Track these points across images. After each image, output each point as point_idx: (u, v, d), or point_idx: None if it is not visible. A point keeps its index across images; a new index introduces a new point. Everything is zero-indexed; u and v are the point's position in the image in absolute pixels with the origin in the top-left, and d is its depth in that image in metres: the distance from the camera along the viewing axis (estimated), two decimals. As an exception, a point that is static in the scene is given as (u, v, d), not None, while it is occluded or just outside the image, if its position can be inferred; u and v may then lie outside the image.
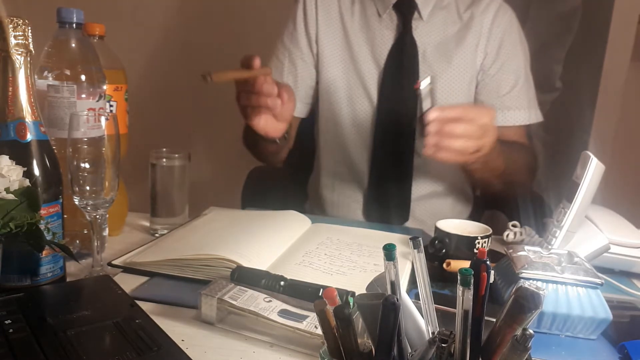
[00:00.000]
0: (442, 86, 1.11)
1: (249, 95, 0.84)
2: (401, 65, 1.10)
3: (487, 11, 1.13)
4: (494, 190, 1.14)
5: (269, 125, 0.90)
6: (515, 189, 1.07)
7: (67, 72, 0.76)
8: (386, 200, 1.13)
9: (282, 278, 0.65)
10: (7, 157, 0.58)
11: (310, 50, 1.17)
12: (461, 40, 1.12)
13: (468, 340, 0.36)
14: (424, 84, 0.85)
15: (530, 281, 0.63)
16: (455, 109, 0.86)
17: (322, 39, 1.16)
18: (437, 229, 0.84)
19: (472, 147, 0.86)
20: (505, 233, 0.95)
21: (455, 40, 1.12)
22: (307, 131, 1.24)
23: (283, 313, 0.58)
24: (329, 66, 1.16)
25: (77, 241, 0.80)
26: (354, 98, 1.14)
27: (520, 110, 1.13)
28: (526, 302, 0.34)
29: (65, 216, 0.68)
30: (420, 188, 1.15)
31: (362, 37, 1.14)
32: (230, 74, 0.80)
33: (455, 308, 0.36)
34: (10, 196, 0.55)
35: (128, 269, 0.74)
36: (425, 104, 0.86)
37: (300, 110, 1.19)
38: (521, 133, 1.15)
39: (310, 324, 0.56)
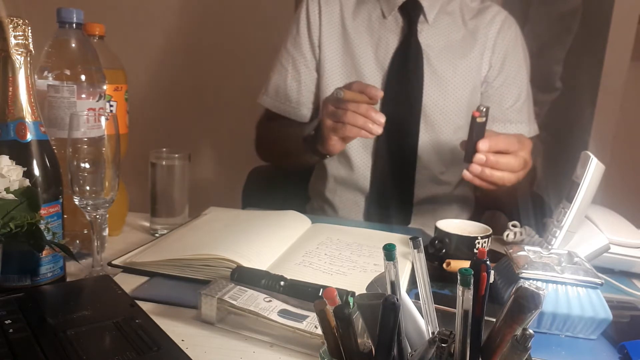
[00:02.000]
0: (446, 92, 1.11)
1: (357, 116, 0.88)
2: (406, 68, 1.10)
3: (492, 23, 1.14)
4: (497, 200, 1.17)
5: (337, 144, 0.94)
6: (515, 196, 1.07)
7: (67, 72, 0.76)
8: (388, 204, 1.13)
9: (282, 278, 0.65)
10: (7, 157, 0.58)
11: (314, 56, 1.18)
12: (466, 48, 1.12)
13: (468, 340, 0.36)
14: (483, 113, 0.86)
15: (530, 281, 0.63)
16: (504, 141, 0.87)
17: (325, 43, 1.16)
18: (437, 229, 0.84)
19: (511, 180, 0.88)
20: (505, 233, 0.95)
21: (460, 47, 1.12)
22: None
23: (283, 313, 0.58)
24: (331, 71, 1.16)
25: (77, 241, 0.80)
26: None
27: (521, 124, 1.15)
28: (526, 302, 0.34)
29: (65, 216, 0.68)
30: (421, 191, 1.15)
31: (366, 40, 1.14)
32: (356, 96, 0.90)
33: (455, 308, 0.36)
34: (10, 196, 0.55)
35: (128, 269, 0.74)
36: (478, 132, 0.86)
37: (304, 115, 1.20)
38: None
39: (310, 324, 0.56)
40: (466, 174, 0.87)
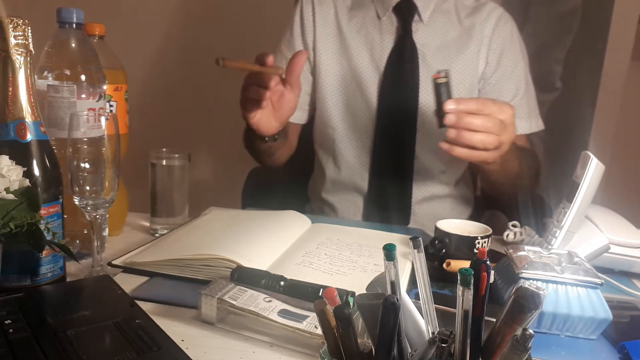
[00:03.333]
0: None
1: (258, 89, 0.85)
2: (402, 68, 1.10)
3: (488, 20, 1.13)
4: (503, 194, 1.13)
5: (263, 120, 0.92)
6: (522, 192, 1.07)
7: (67, 72, 0.76)
8: (387, 204, 1.13)
9: (282, 278, 0.65)
10: (7, 157, 0.58)
11: (308, 58, 1.17)
12: (462, 46, 1.12)
13: (468, 340, 0.36)
14: (442, 75, 0.83)
15: (530, 281, 0.63)
16: (473, 101, 0.84)
17: (319, 45, 1.16)
18: (437, 229, 0.84)
19: (492, 143, 0.83)
20: (505, 233, 0.95)
21: (456, 45, 1.12)
22: (306, 133, 1.24)
23: (283, 313, 0.58)
24: (327, 72, 1.16)
25: (77, 241, 0.80)
26: (353, 103, 1.14)
27: (521, 119, 1.14)
28: (526, 302, 0.34)
29: (65, 216, 0.68)
30: (420, 191, 1.15)
31: (361, 41, 1.14)
32: (243, 64, 0.82)
33: (455, 308, 0.36)
34: (10, 196, 0.55)
35: (128, 269, 0.74)
36: (443, 97, 0.83)
37: (300, 116, 1.20)
38: (523, 141, 1.16)
39: (310, 324, 0.56)
40: (443, 144, 0.83)
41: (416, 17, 1.12)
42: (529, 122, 1.15)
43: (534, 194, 1.18)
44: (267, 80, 0.83)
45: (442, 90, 0.83)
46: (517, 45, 1.16)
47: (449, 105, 0.81)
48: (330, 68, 1.15)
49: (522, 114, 1.14)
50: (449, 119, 0.81)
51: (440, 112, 0.82)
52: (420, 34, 1.12)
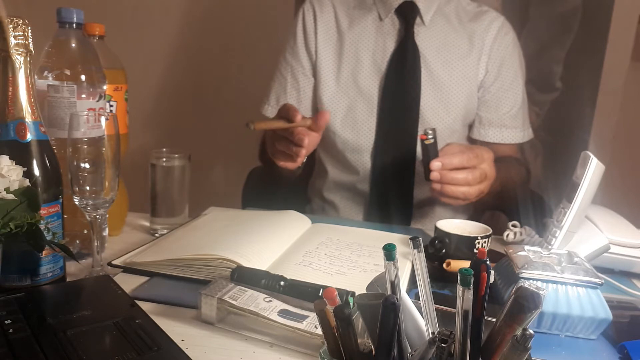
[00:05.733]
0: (442, 95, 1.11)
1: (288, 143, 0.89)
2: (403, 70, 1.11)
3: (489, 29, 1.14)
4: (489, 206, 1.20)
5: (289, 163, 0.95)
6: (508, 198, 1.09)
7: (67, 72, 0.76)
8: (388, 206, 1.13)
9: (282, 278, 0.65)
10: (7, 157, 0.58)
11: (311, 64, 1.18)
12: (463, 52, 1.13)
13: (468, 340, 0.36)
14: (430, 136, 0.91)
15: (530, 281, 0.63)
16: (456, 158, 0.90)
17: (321, 50, 1.17)
18: (437, 229, 0.84)
19: (472, 194, 0.91)
20: (505, 233, 0.95)
21: (457, 49, 1.13)
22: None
23: (283, 313, 0.58)
24: (327, 77, 1.16)
25: (77, 241, 0.80)
26: (355, 106, 1.14)
27: (516, 129, 1.17)
28: (526, 302, 0.34)
29: (65, 216, 0.68)
30: (421, 192, 1.15)
31: (363, 44, 1.14)
32: (272, 124, 0.90)
33: (455, 308, 0.36)
34: (10, 196, 0.55)
35: (128, 269, 0.74)
36: (431, 155, 0.91)
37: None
38: (515, 149, 1.20)
39: (310, 324, 0.56)
40: (432, 192, 0.92)
41: (418, 20, 1.12)
42: (522, 133, 1.18)
43: (531, 190, 1.20)
44: (299, 138, 0.87)
45: (429, 149, 0.91)
46: (517, 56, 1.18)
47: (435, 165, 0.89)
48: (331, 72, 1.16)
49: (518, 124, 1.17)
50: (434, 176, 0.89)
51: (427, 169, 0.90)
52: (422, 36, 1.12)
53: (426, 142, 0.91)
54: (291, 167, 0.97)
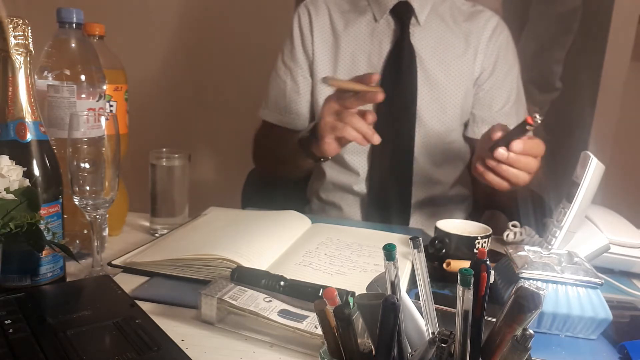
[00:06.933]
0: (438, 94, 1.11)
1: (360, 120, 0.88)
2: (399, 71, 1.11)
3: (485, 29, 1.14)
4: (497, 201, 1.16)
5: (332, 145, 0.93)
6: (515, 194, 1.08)
7: (67, 72, 0.76)
8: (386, 206, 1.13)
9: (282, 278, 0.65)
10: (7, 157, 0.58)
11: (309, 66, 1.18)
12: (458, 50, 1.13)
13: (468, 340, 0.36)
14: (538, 122, 0.80)
15: (530, 281, 0.63)
16: (536, 148, 0.85)
17: (318, 53, 1.17)
18: (437, 229, 0.84)
19: (523, 180, 0.85)
20: (505, 233, 0.95)
21: (452, 49, 1.13)
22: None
23: (283, 313, 0.58)
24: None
25: (77, 241, 0.80)
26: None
27: (509, 127, 1.14)
28: (526, 302, 0.34)
29: (65, 216, 0.68)
30: (419, 192, 1.15)
31: (358, 45, 1.14)
32: (345, 83, 0.90)
33: (455, 308, 0.36)
34: (10, 196, 0.55)
35: (128, 269, 0.74)
36: (518, 134, 0.82)
37: (305, 125, 1.20)
38: None
39: (310, 324, 0.56)
40: (478, 167, 0.86)
41: (413, 20, 1.12)
42: None
43: (531, 190, 1.19)
44: (368, 98, 0.87)
45: (521, 132, 0.82)
46: (511, 54, 1.17)
47: (517, 147, 0.81)
48: (328, 73, 1.16)
49: (512, 121, 1.15)
50: (500, 154, 0.82)
51: (502, 143, 0.82)
52: (418, 37, 1.12)
53: (527, 127, 0.80)
54: (330, 143, 0.92)
